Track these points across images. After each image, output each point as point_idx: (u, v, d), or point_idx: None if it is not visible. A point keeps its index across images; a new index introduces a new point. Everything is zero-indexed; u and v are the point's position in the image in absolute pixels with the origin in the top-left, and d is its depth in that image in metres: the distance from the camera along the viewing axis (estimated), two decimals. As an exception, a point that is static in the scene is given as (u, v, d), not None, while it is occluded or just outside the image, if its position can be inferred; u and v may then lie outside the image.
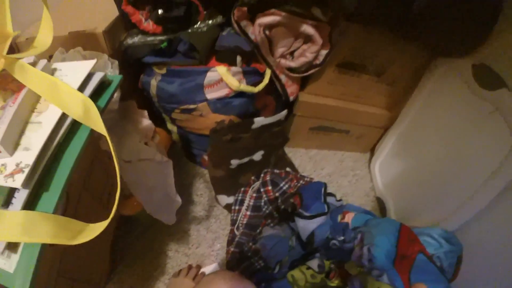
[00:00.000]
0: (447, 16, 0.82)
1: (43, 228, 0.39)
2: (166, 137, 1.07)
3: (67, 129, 0.49)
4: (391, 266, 0.85)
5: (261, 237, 0.89)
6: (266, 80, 0.96)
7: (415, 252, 0.85)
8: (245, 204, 0.98)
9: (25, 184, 0.41)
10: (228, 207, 1.02)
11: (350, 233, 0.90)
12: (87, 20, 0.88)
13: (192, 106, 0.93)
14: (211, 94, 0.91)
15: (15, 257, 0.41)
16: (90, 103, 0.48)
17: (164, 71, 0.93)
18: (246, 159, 1.03)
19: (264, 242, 0.87)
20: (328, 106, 1.15)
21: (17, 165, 0.43)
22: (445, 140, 0.98)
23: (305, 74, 1.01)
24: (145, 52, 0.91)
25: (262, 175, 1.03)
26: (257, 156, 1.06)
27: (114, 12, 0.91)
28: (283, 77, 1.01)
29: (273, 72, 0.98)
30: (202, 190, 1.11)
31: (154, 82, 0.94)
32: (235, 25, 0.90)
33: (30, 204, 0.43)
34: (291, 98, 1.08)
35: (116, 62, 0.80)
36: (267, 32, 0.90)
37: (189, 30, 0.91)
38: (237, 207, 0.99)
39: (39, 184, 0.44)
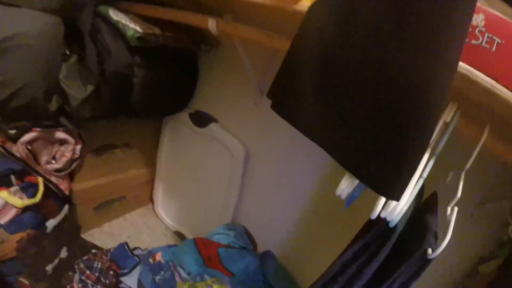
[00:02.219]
0: (156, 98, 1.21)
1: None
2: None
3: None
4: (205, 268, 1.17)
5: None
6: (41, 188, 1.07)
7: (215, 249, 1.19)
8: (77, 296, 1.06)
9: None
10: (62, 309, 1.07)
11: (164, 266, 1.16)
12: None
13: (-10, 238, 0.95)
14: (3, 219, 0.97)
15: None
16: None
17: None
18: (56, 260, 1.10)
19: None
20: (98, 186, 1.36)
21: None
22: (194, 169, 1.38)
23: (70, 169, 1.18)
24: None
25: (76, 267, 1.12)
26: (63, 253, 1.14)
27: None
28: (54, 179, 1.15)
29: (45, 178, 1.10)
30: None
31: None
32: (1, 149, 0.99)
33: None
34: (67, 192, 1.22)
35: None
36: (29, 147, 1.03)
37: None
38: (71, 303, 1.06)
39: None
